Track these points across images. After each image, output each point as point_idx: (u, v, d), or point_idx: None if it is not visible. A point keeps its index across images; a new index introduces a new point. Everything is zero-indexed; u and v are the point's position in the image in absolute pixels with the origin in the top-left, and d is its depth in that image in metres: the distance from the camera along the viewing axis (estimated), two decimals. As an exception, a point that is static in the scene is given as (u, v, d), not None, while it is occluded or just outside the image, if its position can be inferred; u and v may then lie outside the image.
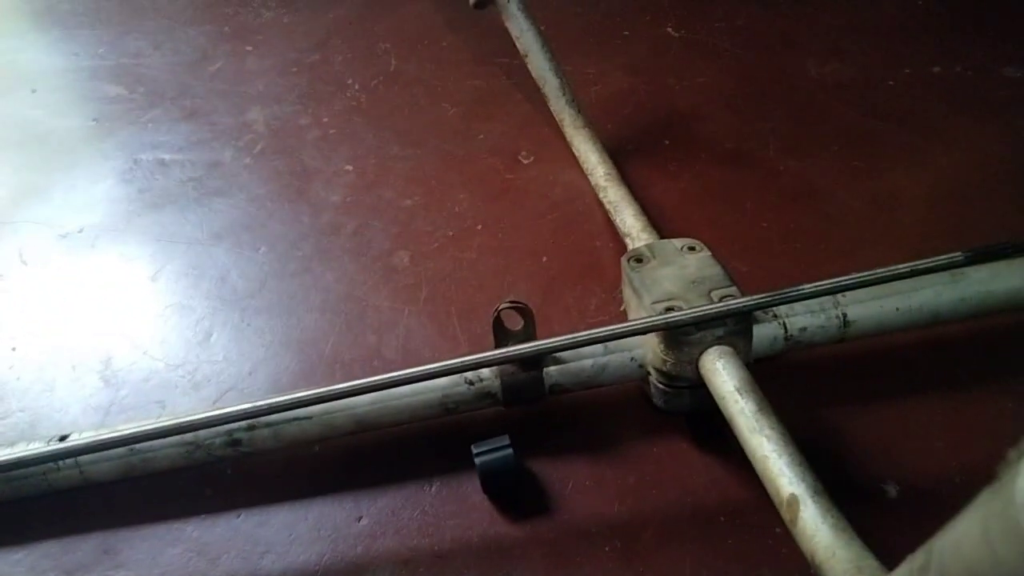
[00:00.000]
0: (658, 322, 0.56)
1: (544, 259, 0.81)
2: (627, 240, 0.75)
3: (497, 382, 0.62)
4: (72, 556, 0.58)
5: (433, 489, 0.62)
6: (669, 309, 0.58)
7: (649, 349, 0.61)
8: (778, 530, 0.58)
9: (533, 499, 0.61)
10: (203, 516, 0.60)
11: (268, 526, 0.59)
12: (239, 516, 0.60)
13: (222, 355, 0.72)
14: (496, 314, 0.61)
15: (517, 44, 0.93)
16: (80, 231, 0.85)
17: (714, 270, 0.62)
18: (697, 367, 0.57)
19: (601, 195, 0.83)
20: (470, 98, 1.03)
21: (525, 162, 0.93)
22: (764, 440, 0.48)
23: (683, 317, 0.56)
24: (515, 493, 0.61)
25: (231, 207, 0.87)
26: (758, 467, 0.48)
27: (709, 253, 0.65)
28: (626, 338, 0.61)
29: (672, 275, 0.62)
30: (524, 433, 0.62)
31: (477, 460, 0.59)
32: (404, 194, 0.89)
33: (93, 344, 0.73)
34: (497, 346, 0.62)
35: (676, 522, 0.59)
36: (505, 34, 1.00)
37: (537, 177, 0.91)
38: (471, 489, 0.61)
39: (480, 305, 0.76)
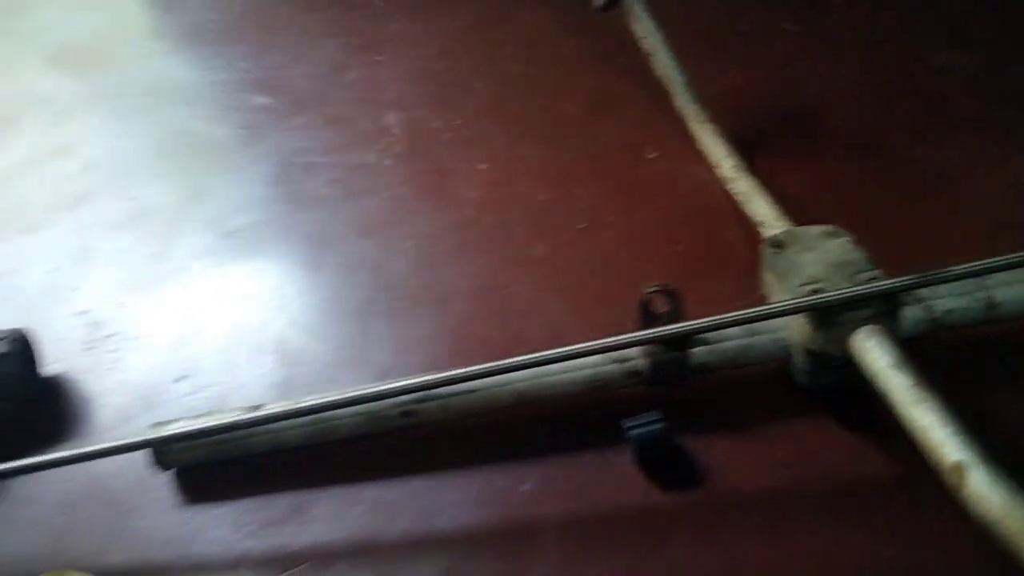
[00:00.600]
0: (807, 303, 0.60)
1: (678, 248, 0.86)
2: (761, 229, 0.78)
3: (644, 362, 0.67)
4: (268, 512, 0.65)
5: (589, 460, 0.67)
6: (816, 292, 0.62)
7: (795, 330, 0.65)
8: (931, 505, 0.60)
9: (684, 472, 0.65)
10: (379, 480, 0.66)
11: (438, 490, 0.66)
12: (412, 481, 0.66)
13: (382, 338, 0.79)
14: (645, 297, 0.66)
15: (641, 44, 0.97)
16: (244, 229, 0.93)
17: (856, 254, 0.65)
18: (846, 346, 0.61)
19: (730, 186, 0.87)
20: (592, 98, 1.08)
21: (650, 157, 0.98)
22: (926, 411, 0.51)
23: (832, 298, 0.60)
24: (666, 466, 0.65)
25: (377, 205, 0.95)
26: (919, 438, 0.51)
27: (849, 238, 0.68)
28: (771, 320, 0.65)
29: (815, 259, 0.66)
30: (669, 412, 0.66)
31: (632, 433, 0.64)
32: (537, 190, 0.94)
33: (267, 329, 0.81)
34: (643, 328, 0.66)
35: (825, 498, 0.63)
36: (621, 35, 1.05)
37: (663, 171, 0.96)
38: (623, 461, 0.66)
39: (617, 292, 0.80)
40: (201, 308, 0.85)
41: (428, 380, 0.62)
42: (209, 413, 0.68)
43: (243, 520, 0.65)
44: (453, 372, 0.63)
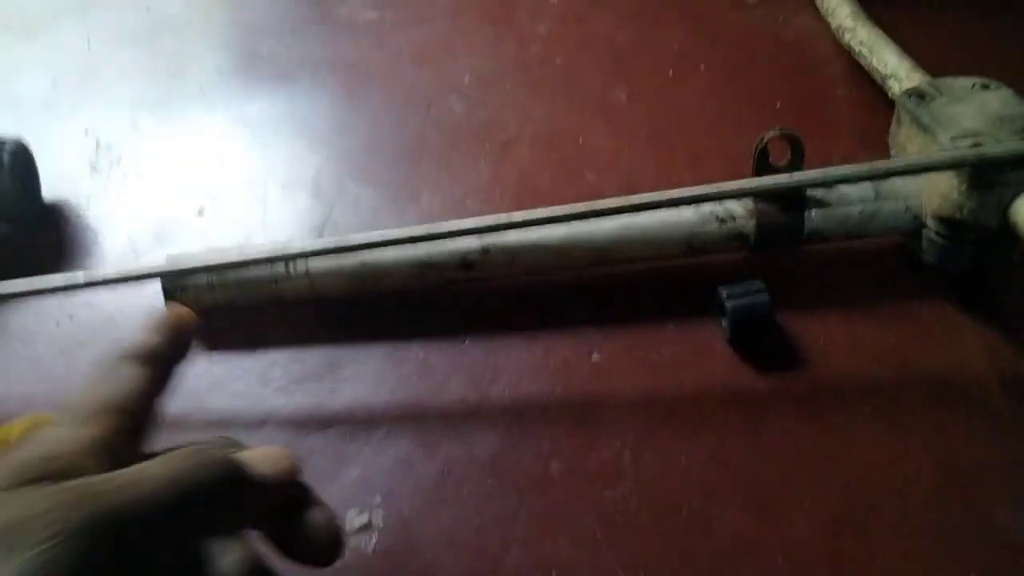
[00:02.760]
0: (969, 156, 0.50)
1: (778, 105, 0.75)
2: (891, 82, 0.68)
3: (752, 222, 0.58)
4: (299, 366, 0.58)
5: (671, 332, 0.59)
6: (977, 145, 0.52)
7: (935, 194, 0.55)
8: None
9: (783, 352, 0.57)
10: (429, 339, 0.59)
11: (496, 354, 0.58)
12: (466, 342, 0.59)
13: (433, 182, 0.70)
14: (762, 143, 0.57)
15: None
16: (276, 51, 0.84)
17: (1022, 108, 0.55)
18: (1006, 214, 0.52)
19: (847, 37, 0.76)
20: (683, -69, 0.95)
21: (750, 2, 0.86)
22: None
23: (1000, 152, 0.50)
24: (764, 343, 0.58)
25: (431, 33, 0.84)
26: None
27: (1011, 91, 0.58)
28: (907, 179, 0.55)
29: (971, 112, 0.55)
30: (773, 281, 0.58)
31: (729, 304, 0.56)
32: (617, 28, 0.83)
33: (302, 164, 0.72)
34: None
35: (944, 388, 0.55)
36: None
37: (765, 17, 0.84)
38: (712, 336, 0.58)
39: (710, 149, 0.71)
40: (224, 136, 0.76)
41: (495, 221, 0.54)
42: (235, 249, 0.60)
43: (272, 374, 0.58)
44: (527, 213, 0.54)
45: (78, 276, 0.54)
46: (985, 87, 0.58)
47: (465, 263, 0.58)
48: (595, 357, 0.58)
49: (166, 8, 0.89)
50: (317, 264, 0.58)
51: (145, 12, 0.88)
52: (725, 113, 0.75)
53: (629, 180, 0.69)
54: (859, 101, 0.75)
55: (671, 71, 0.79)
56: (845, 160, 0.70)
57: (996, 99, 0.57)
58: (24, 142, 0.67)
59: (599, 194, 0.68)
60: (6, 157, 0.64)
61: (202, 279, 0.57)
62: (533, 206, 0.68)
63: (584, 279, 0.61)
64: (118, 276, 0.54)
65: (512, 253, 0.58)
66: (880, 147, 0.65)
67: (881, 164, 0.52)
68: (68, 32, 0.86)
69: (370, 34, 0.85)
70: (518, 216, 0.54)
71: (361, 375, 0.58)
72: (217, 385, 0.58)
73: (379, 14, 0.87)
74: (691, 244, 0.58)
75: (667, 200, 0.52)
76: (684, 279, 0.61)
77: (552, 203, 0.68)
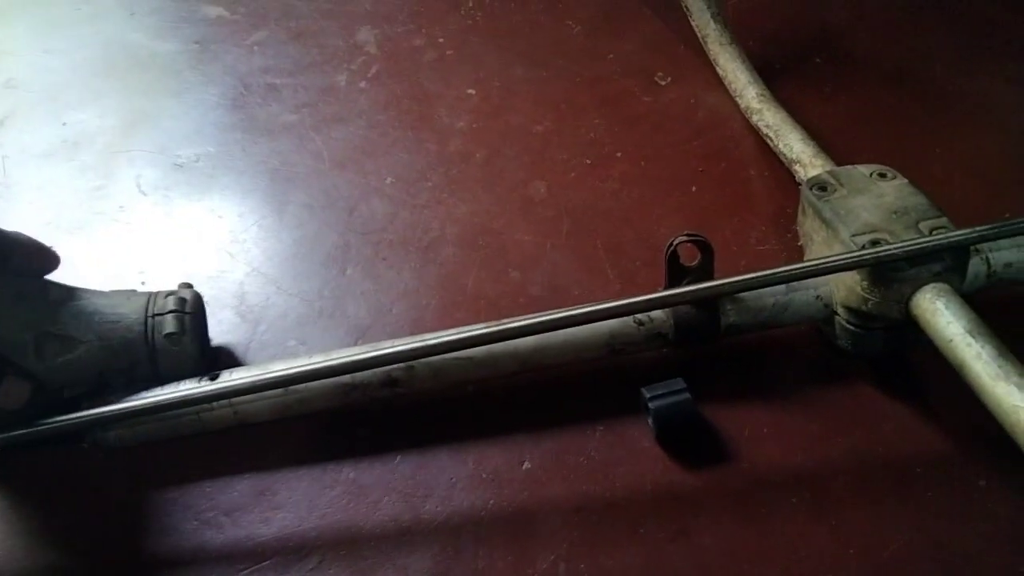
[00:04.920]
0: (867, 257, 0.53)
1: (693, 189, 0.78)
2: (796, 168, 0.71)
3: (670, 322, 0.60)
4: (228, 496, 0.58)
5: (599, 434, 0.60)
6: (875, 243, 0.55)
7: (841, 287, 0.58)
8: (983, 483, 0.55)
9: (709, 447, 0.59)
10: (359, 458, 0.59)
11: (428, 469, 0.59)
12: (397, 458, 0.59)
13: (359, 290, 0.71)
14: (671, 248, 0.58)
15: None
16: (196, 160, 0.84)
17: (917, 199, 0.58)
18: (907, 307, 0.54)
19: (755, 118, 0.79)
20: (594, 14, 0.98)
21: (662, 84, 0.89)
22: (1013, 388, 0.44)
23: (896, 251, 0.53)
24: (691, 439, 0.59)
25: (351, 134, 0.86)
26: (1007, 419, 0.45)
27: (906, 180, 0.61)
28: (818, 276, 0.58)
29: (869, 204, 0.58)
30: (694, 376, 0.59)
31: (651, 404, 0.58)
32: (534, 119, 0.86)
33: (224, 279, 0.72)
34: (670, 282, 0.59)
35: (868, 473, 0.57)
36: None
37: (677, 100, 0.87)
38: (639, 434, 0.59)
39: (628, 239, 0.73)
40: (145, 252, 0.76)
41: (418, 346, 0.55)
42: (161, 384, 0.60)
43: (199, 506, 0.57)
44: (447, 335, 0.55)
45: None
46: (882, 176, 0.62)
47: (390, 380, 0.59)
48: (526, 465, 0.59)
49: (83, 122, 0.88)
50: (241, 396, 0.57)
51: (61, 127, 0.88)
52: (643, 200, 0.77)
53: (553, 276, 0.71)
54: (771, 181, 0.78)
55: (588, 160, 0.81)
56: (760, 242, 0.74)
57: (892, 190, 0.60)
58: (199, 294, 0.63)
59: (524, 293, 0.70)
60: (188, 320, 0.59)
61: (123, 417, 0.57)
62: (461, 309, 0.70)
63: (510, 385, 0.62)
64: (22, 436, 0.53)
65: (436, 368, 0.58)
66: (792, 227, 0.68)
67: (784, 270, 0.54)
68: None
69: (290, 137, 0.86)
70: (439, 338, 0.55)
71: (292, 502, 0.58)
72: (141, 522, 0.57)
73: (298, 117, 0.88)
74: (612, 346, 0.60)
75: (582, 315, 0.54)
76: (608, 379, 0.63)
77: (478, 304, 0.70)
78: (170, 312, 0.59)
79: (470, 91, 0.89)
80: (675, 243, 0.58)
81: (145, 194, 0.81)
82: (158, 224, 0.78)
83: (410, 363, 0.58)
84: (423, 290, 0.71)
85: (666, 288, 0.59)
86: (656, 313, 0.59)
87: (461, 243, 0.74)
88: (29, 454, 0.59)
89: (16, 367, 0.54)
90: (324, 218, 0.78)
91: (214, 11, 1.02)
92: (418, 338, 0.57)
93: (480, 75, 0.91)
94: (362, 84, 0.91)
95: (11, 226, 0.57)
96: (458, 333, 0.55)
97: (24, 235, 0.55)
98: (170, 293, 0.61)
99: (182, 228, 0.78)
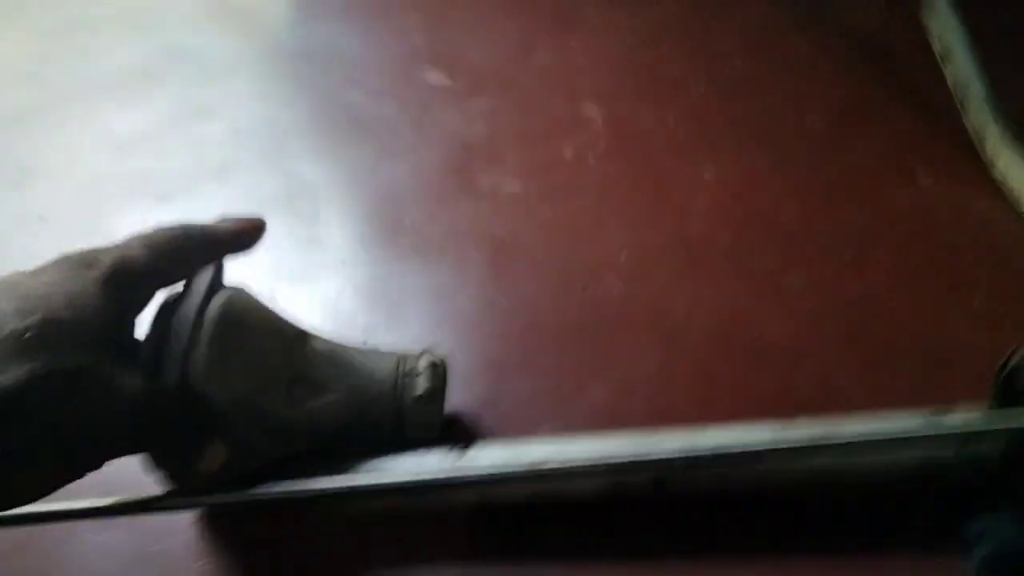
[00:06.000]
0: None
1: (974, 296, 0.69)
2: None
3: (997, 445, 0.50)
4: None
5: (899, 565, 0.50)
6: None
7: None
8: None
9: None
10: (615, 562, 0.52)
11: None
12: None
13: (594, 371, 0.65)
14: (1005, 366, 0.50)
15: (934, 44, 0.82)
16: (416, 225, 0.81)
17: None
18: None
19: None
20: (838, 107, 0.92)
21: (924, 184, 0.81)
22: None
23: None
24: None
25: (579, 206, 0.81)
26: None
27: None
28: None
29: None
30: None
31: (977, 544, 0.48)
32: (780, 208, 0.79)
33: (451, 355, 0.68)
34: (1003, 401, 0.50)
35: None
36: (866, 36, 0.90)
37: (942, 201, 0.79)
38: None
39: (907, 341, 0.65)
40: (363, 310, 0.72)
41: (702, 455, 0.48)
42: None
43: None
44: (728, 435, 0.48)
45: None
46: None
47: (658, 480, 0.51)
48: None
49: (303, 173, 0.88)
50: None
51: (283, 176, 0.87)
52: (915, 302, 0.69)
53: (820, 374, 0.64)
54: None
55: (849, 255, 0.74)
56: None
57: None
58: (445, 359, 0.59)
59: (787, 389, 0.63)
60: (438, 384, 0.56)
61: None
62: (711, 401, 0.62)
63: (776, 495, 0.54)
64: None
65: (720, 474, 0.51)
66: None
67: None
68: (205, 195, 0.85)
69: (516, 206, 0.82)
70: (720, 442, 0.48)
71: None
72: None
73: (523, 185, 0.84)
74: (922, 471, 0.51)
75: (892, 433, 0.46)
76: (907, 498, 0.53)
77: (733, 397, 0.63)
78: (421, 375, 0.54)
79: (707, 175, 0.84)
80: (1012, 359, 0.50)
81: (367, 250, 0.78)
82: (378, 283, 0.75)
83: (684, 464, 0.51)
84: (667, 376, 0.64)
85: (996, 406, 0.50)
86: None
87: (710, 329, 0.68)
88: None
89: (229, 433, 0.48)
90: (555, 292, 0.72)
91: (434, 76, 1.01)
92: (695, 434, 0.50)
93: (717, 160, 0.85)
94: (590, 160, 0.87)
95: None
96: (744, 434, 0.48)
97: (229, 219, 0.53)
98: (421, 354, 0.56)
99: (399, 290, 0.74)
